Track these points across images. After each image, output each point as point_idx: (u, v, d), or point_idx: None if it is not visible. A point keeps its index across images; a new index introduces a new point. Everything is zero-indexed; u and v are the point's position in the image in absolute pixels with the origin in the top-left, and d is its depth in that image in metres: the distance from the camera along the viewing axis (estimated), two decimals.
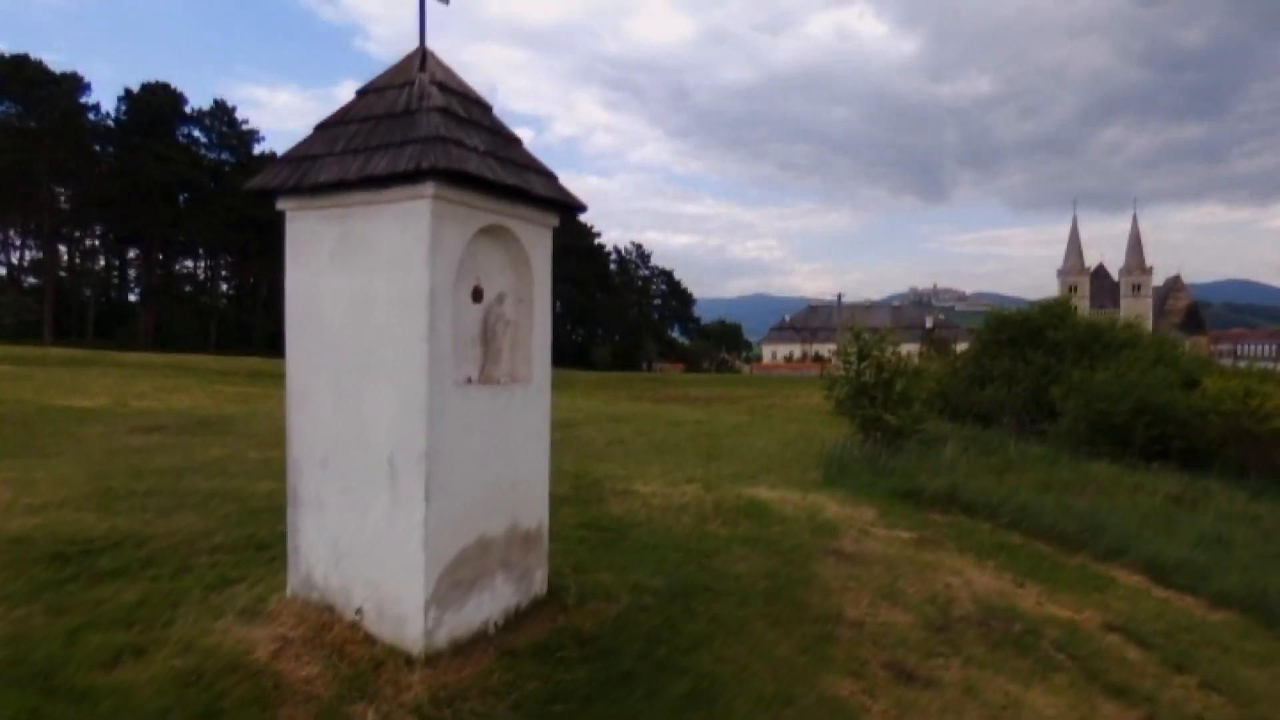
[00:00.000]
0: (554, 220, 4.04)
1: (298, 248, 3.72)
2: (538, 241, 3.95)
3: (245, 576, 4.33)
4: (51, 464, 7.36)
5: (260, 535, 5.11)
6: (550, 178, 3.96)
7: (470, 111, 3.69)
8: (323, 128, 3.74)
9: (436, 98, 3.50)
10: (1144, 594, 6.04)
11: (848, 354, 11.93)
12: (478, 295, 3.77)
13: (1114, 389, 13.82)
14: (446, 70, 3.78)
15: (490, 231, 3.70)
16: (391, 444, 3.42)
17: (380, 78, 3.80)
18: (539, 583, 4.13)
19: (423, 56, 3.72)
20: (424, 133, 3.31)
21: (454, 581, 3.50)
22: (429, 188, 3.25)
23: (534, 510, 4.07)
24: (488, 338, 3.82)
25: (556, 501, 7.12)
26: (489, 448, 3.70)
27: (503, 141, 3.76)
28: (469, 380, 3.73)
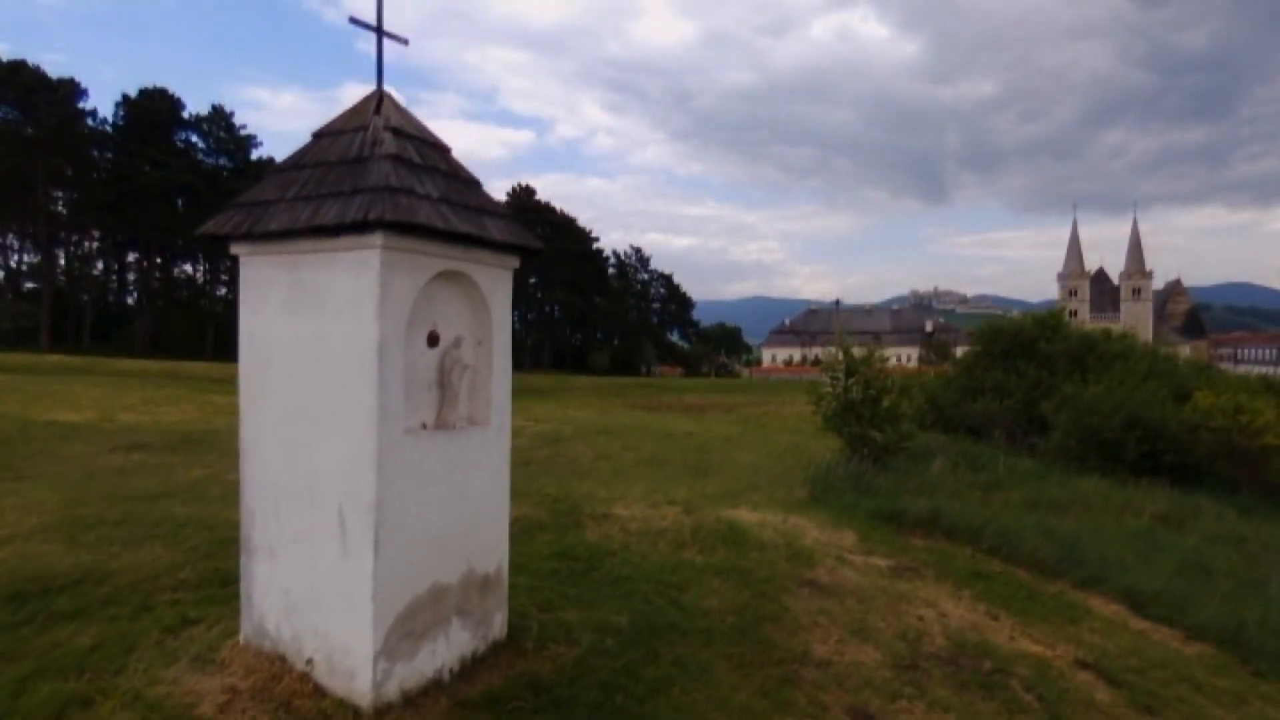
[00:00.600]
0: (513, 262, 4.01)
1: (250, 292, 3.70)
2: (496, 284, 3.92)
3: (205, 617, 4.30)
4: (26, 488, 7.33)
5: (226, 569, 5.06)
6: (509, 220, 3.94)
7: (426, 156, 3.66)
8: (278, 171, 3.72)
9: (389, 144, 3.47)
10: (1120, 626, 6.00)
11: (835, 370, 11.90)
12: (433, 340, 3.74)
13: (1105, 404, 13.79)
14: (403, 113, 3.75)
15: (447, 276, 3.67)
16: (341, 494, 3.39)
17: (336, 121, 3.78)
18: (498, 627, 4.09)
19: (379, 100, 3.70)
20: (374, 182, 3.28)
21: (405, 632, 3.46)
22: (378, 238, 3.22)
23: (492, 554, 4.03)
24: (444, 382, 3.78)
25: (533, 528, 7.14)
26: (444, 494, 3.67)
27: (459, 185, 3.73)
28: (424, 426, 3.69)
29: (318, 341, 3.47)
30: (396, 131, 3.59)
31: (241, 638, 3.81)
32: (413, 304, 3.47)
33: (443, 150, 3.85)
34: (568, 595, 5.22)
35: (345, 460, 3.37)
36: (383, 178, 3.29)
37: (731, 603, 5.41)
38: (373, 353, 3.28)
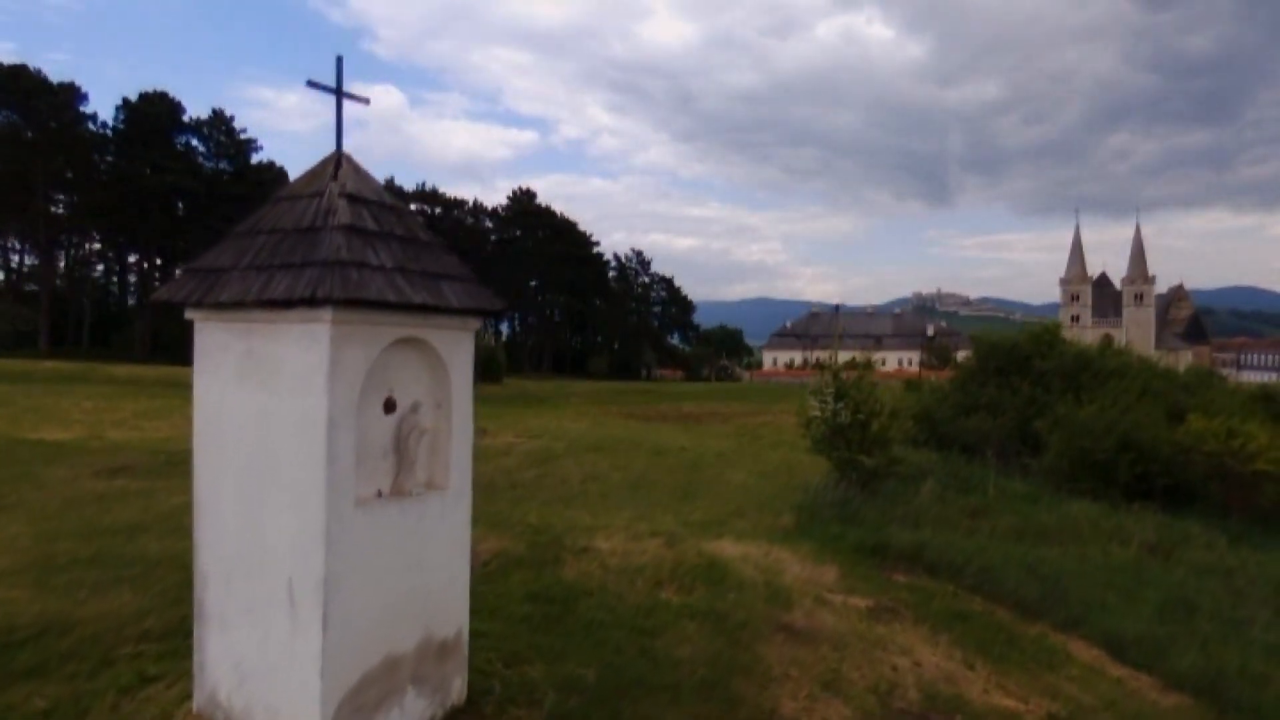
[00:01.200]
0: (474, 324, 3.98)
1: (204, 358, 3.66)
2: (456, 347, 3.88)
3: (164, 674, 4.25)
4: (3, 522, 7.30)
5: (192, 616, 5.03)
6: (469, 282, 3.89)
7: (383, 221, 3.62)
8: (235, 235, 3.68)
9: (343, 213, 3.43)
10: (1098, 674, 5.94)
11: (824, 393, 11.85)
12: (390, 406, 3.69)
13: (1097, 425, 13.73)
14: (360, 176, 3.71)
15: (404, 341, 3.63)
16: (291, 567, 3.35)
17: (296, 183, 3.74)
18: (457, 691, 4.04)
19: (337, 163, 3.66)
20: (324, 255, 3.24)
21: (356, 706, 3.42)
22: (327, 313, 3.18)
23: (451, 619, 3.99)
24: (401, 448, 3.74)
25: (510, 565, 7.11)
26: (399, 563, 3.63)
27: (417, 250, 3.69)
28: (379, 494, 3.65)
29: (269, 411, 3.43)
30: (353, 198, 3.55)
31: (194, 705, 3.77)
32: (366, 373, 3.43)
33: (401, 213, 3.81)
34: (537, 645, 5.17)
35: (295, 534, 3.33)
36: (333, 250, 3.25)
37: (704, 651, 5.36)
38: (322, 428, 3.24)
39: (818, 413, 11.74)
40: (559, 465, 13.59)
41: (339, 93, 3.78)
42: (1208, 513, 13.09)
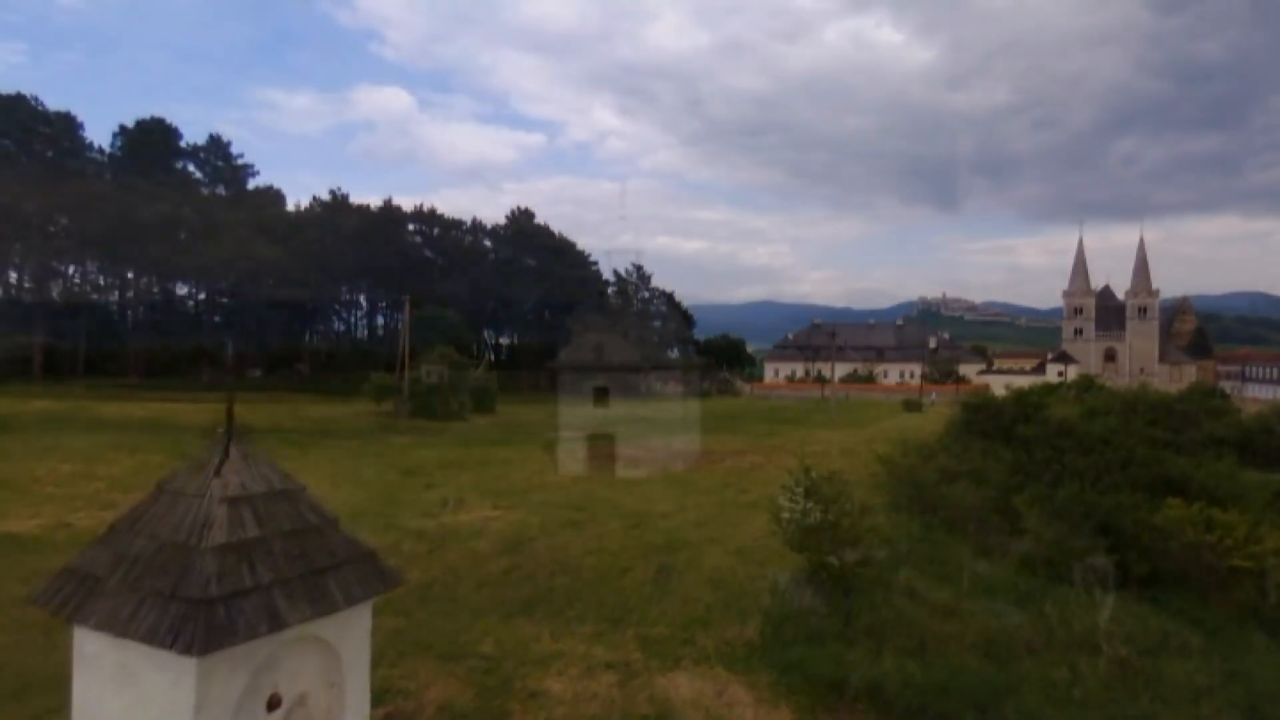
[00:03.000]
0: (369, 600, 3.89)
1: (81, 661, 3.56)
2: (348, 631, 3.79)
3: None
4: None
5: None
6: (364, 563, 3.81)
7: (267, 518, 3.54)
8: (117, 532, 3.60)
9: (220, 528, 3.35)
10: None
11: (794, 492, 11.76)
12: (274, 703, 3.60)
13: (1075, 510, 13.59)
14: (248, 466, 3.63)
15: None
16: None
17: (181, 474, 3.66)
18: None
19: (224, 455, 3.58)
20: (192, 591, 3.16)
21: None
22: (192, 657, 3.10)
23: None
24: None
25: None
26: None
27: (304, 543, 3.61)
28: None
29: None
30: (234, 501, 3.47)
31: None
32: (244, 687, 3.35)
33: (292, 497, 3.73)
34: None
35: None
36: (201, 585, 3.17)
37: None
38: None
39: (787, 514, 11.64)
40: (530, 551, 13.46)
41: (235, 372, 3.70)
42: (1186, 603, 12.95)
